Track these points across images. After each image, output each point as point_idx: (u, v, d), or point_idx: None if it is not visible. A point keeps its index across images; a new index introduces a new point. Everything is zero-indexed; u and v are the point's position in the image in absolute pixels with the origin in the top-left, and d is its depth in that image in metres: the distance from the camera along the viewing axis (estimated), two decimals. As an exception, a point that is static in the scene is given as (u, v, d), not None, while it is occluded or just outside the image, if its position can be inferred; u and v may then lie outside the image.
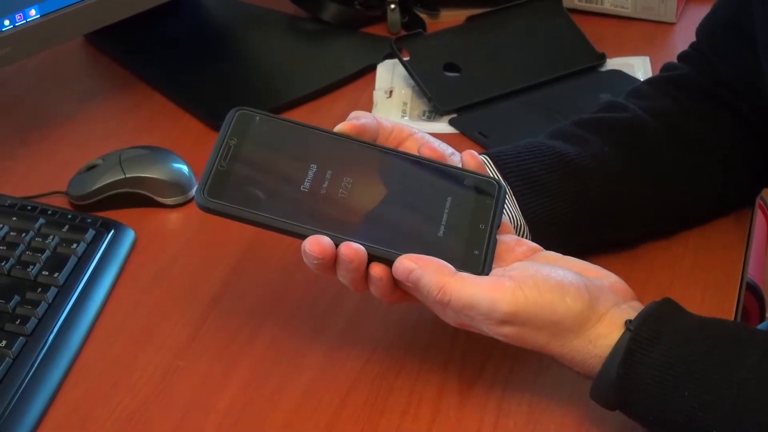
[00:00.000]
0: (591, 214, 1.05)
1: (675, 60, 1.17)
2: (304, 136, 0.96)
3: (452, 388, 0.96)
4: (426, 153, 0.97)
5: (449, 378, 0.97)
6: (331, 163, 0.94)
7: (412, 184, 0.95)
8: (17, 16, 1.17)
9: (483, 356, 0.98)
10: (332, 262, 0.91)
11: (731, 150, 1.10)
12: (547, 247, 0.97)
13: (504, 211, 0.97)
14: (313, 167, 0.94)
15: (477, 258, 0.91)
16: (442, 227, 0.93)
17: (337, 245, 0.90)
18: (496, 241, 0.93)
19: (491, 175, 1.01)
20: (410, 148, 0.98)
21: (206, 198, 0.91)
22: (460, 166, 0.98)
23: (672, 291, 1.05)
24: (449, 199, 0.95)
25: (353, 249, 0.90)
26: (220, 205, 0.91)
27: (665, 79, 1.14)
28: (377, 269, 0.91)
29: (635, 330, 0.87)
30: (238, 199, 0.91)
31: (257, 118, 0.96)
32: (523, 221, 1.02)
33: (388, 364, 0.99)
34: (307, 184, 0.93)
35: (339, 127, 0.97)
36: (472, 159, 0.98)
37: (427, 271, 0.88)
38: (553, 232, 1.02)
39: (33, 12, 1.18)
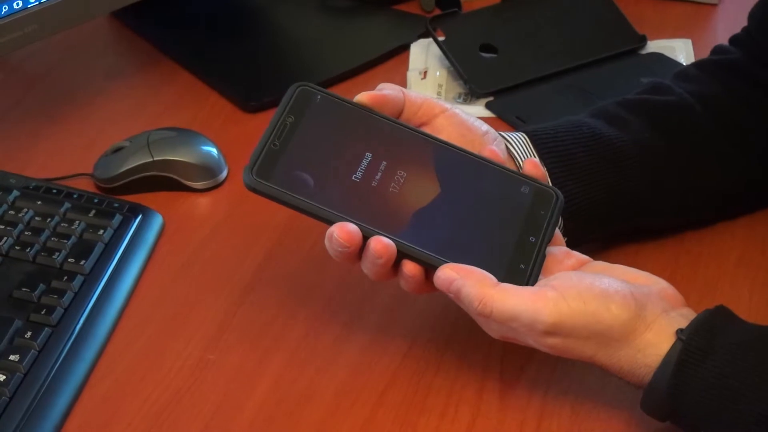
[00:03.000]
0: (628, 201, 1.01)
1: (725, 43, 1.13)
2: (365, 122, 0.92)
3: (492, 388, 0.93)
4: (487, 154, 0.93)
5: (489, 377, 0.94)
6: (387, 154, 0.91)
7: (468, 185, 0.91)
8: (44, -8, 1.13)
9: (524, 355, 0.95)
10: (357, 252, 0.88)
11: None
12: (582, 233, 0.95)
13: None
14: (368, 156, 0.90)
15: (522, 272, 0.88)
16: (491, 235, 0.89)
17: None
18: (545, 256, 0.89)
19: (528, 154, 0.98)
20: (442, 125, 0.95)
21: (254, 178, 0.88)
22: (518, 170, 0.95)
23: (719, 287, 1.01)
24: (502, 205, 0.91)
25: (383, 244, 0.87)
26: (267, 186, 0.88)
27: (715, 62, 1.10)
28: (410, 267, 0.88)
29: (687, 340, 0.83)
30: (286, 183, 0.88)
31: (318, 97, 0.92)
32: None
33: (427, 360, 0.95)
34: (359, 174, 0.89)
35: (359, 97, 0.93)
36: (535, 169, 0.94)
37: (468, 282, 0.85)
38: (587, 218, 0.99)
39: (60, -13, 1.14)
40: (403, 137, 0.92)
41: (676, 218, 1.06)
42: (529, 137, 1.00)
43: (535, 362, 0.94)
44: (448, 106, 0.96)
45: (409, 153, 0.92)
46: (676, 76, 1.10)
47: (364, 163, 0.90)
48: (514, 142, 0.99)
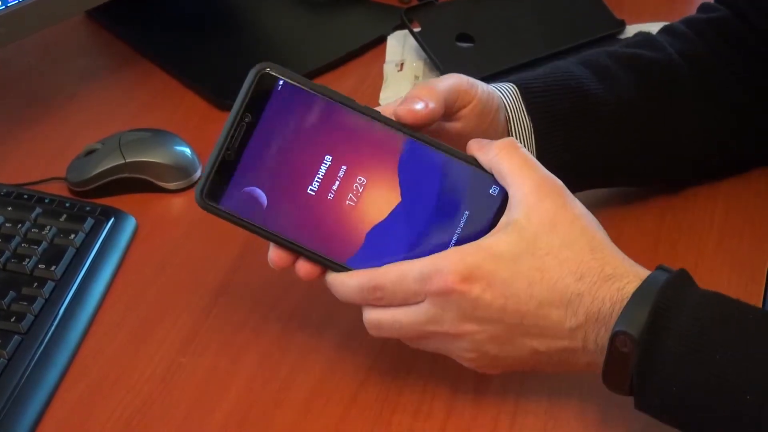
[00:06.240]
0: (607, 158, 1.03)
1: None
2: (329, 114, 0.87)
3: (466, 385, 0.92)
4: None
5: (463, 374, 0.92)
6: (349, 155, 0.87)
7: (432, 187, 0.87)
8: (10, -4, 1.12)
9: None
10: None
11: (759, 105, 1.07)
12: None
13: None
14: (328, 160, 0.87)
15: None
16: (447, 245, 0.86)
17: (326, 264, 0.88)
18: None
19: (517, 106, 0.99)
20: (468, 116, 0.93)
21: (205, 201, 0.87)
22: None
23: (697, 272, 0.98)
24: (466, 208, 0.87)
25: (307, 271, 0.89)
26: (217, 210, 0.87)
27: (703, 21, 1.10)
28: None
29: (660, 290, 0.81)
30: (237, 204, 0.87)
31: (281, 82, 0.87)
32: None
33: (401, 357, 0.94)
34: (315, 185, 0.87)
35: (398, 111, 0.88)
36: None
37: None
38: (567, 172, 0.95)
39: (28, -10, 1.13)
40: (369, 133, 0.87)
41: (653, 178, 1.08)
42: (520, 91, 1.00)
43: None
44: (473, 92, 0.94)
45: (372, 153, 0.87)
46: (665, 31, 1.10)
47: (323, 169, 0.87)
48: (505, 93, 0.99)
